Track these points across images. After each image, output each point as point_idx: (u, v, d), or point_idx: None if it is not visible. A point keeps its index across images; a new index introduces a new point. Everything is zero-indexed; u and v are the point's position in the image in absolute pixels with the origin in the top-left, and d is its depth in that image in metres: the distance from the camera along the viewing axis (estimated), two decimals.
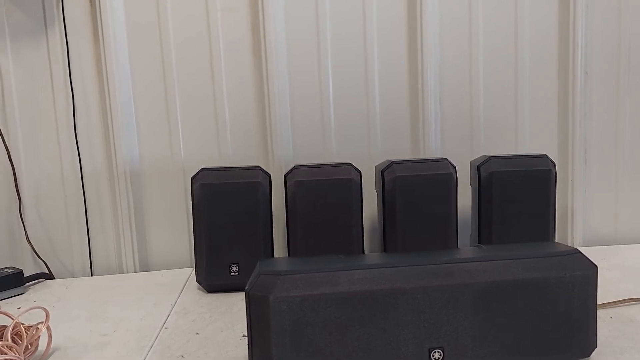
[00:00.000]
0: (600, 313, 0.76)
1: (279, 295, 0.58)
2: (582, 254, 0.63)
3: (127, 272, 1.11)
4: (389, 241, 0.92)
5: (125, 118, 1.09)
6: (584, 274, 0.62)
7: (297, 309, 0.58)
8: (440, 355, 0.60)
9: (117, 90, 1.07)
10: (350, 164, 0.92)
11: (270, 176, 0.93)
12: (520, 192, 0.92)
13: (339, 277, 0.60)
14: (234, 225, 0.90)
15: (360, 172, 0.93)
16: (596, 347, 0.63)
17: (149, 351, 0.71)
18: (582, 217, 1.15)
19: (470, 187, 1.00)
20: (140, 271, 1.11)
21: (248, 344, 0.60)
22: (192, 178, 0.91)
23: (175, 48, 1.09)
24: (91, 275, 1.11)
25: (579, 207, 1.15)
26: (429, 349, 0.60)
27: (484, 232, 0.94)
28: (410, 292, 0.59)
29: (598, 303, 0.78)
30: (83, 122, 1.09)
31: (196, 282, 0.95)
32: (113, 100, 1.07)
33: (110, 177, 1.10)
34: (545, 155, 0.94)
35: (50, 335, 0.72)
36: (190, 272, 1.03)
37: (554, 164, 0.94)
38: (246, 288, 0.60)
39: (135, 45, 1.09)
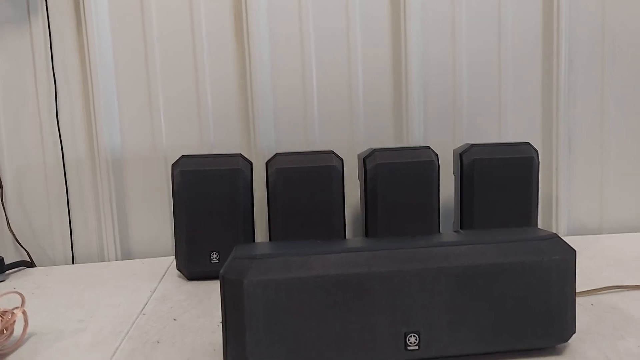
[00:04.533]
0: (581, 300, 0.76)
1: (253, 279, 0.58)
2: (560, 238, 0.63)
3: (109, 260, 1.10)
4: (370, 229, 0.92)
5: (108, 106, 1.08)
6: (562, 258, 0.61)
7: (271, 292, 0.58)
8: (416, 339, 0.60)
9: (99, 78, 1.06)
10: (331, 152, 0.92)
11: (251, 164, 0.93)
12: (503, 179, 0.92)
13: (314, 261, 0.59)
14: (215, 212, 0.89)
15: (342, 160, 0.92)
16: (575, 332, 0.62)
17: (125, 336, 0.71)
18: (566, 206, 1.15)
19: (454, 176, 0.99)
20: (122, 259, 1.10)
21: (222, 329, 0.59)
22: (173, 165, 0.91)
23: (158, 36, 1.08)
24: (73, 263, 1.10)
25: (563, 196, 1.14)
26: (405, 333, 0.59)
27: (466, 220, 0.93)
28: (386, 276, 0.59)
29: (580, 290, 0.78)
30: (65, 109, 1.08)
31: (177, 270, 0.94)
32: (95, 88, 1.06)
33: (92, 165, 1.09)
34: (528, 143, 0.94)
35: (26, 321, 0.71)
36: (171, 261, 1.02)
37: (536, 151, 0.94)
38: (221, 272, 0.59)
39: (118, 33, 1.08)
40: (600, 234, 1.16)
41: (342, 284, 0.58)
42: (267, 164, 0.91)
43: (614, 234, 1.14)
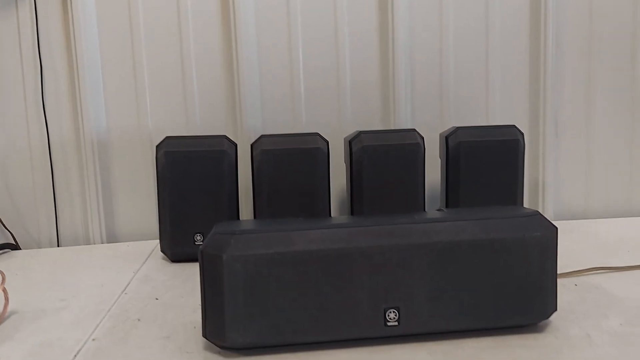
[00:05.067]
0: (565, 281, 0.76)
1: (232, 254, 0.57)
2: (542, 215, 0.63)
3: (94, 243, 1.09)
4: (356, 211, 0.91)
5: (93, 88, 1.07)
6: (544, 235, 0.61)
7: (251, 267, 0.57)
8: (396, 315, 0.59)
9: (85, 59, 1.05)
10: (317, 134, 0.91)
11: (236, 145, 0.92)
12: (488, 162, 0.92)
13: (294, 237, 0.59)
14: (199, 194, 0.89)
15: (327, 142, 0.92)
16: (556, 310, 0.62)
17: (106, 314, 0.71)
18: (552, 191, 1.15)
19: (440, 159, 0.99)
20: (107, 242, 1.10)
21: (201, 304, 0.59)
22: (157, 146, 0.90)
23: (144, 17, 1.07)
24: (58, 246, 1.10)
25: (550, 180, 1.14)
26: (385, 309, 0.59)
27: (452, 202, 0.93)
28: (366, 251, 0.59)
29: (564, 272, 0.78)
30: (51, 91, 1.08)
31: (161, 252, 0.94)
32: (81, 69, 1.05)
33: (78, 147, 1.08)
34: (514, 126, 0.94)
35: (6, 298, 0.71)
36: (157, 244, 1.02)
37: (522, 134, 0.94)
38: (200, 247, 0.59)
39: (103, 14, 1.07)
40: (586, 218, 1.16)
41: (322, 259, 0.58)
42: (252, 145, 0.91)
43: (600, 219, 1.14)
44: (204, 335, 0.59)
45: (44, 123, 1.07)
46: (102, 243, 1.09)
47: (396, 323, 0.59)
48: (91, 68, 1.06)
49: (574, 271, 0.80)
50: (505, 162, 0.92)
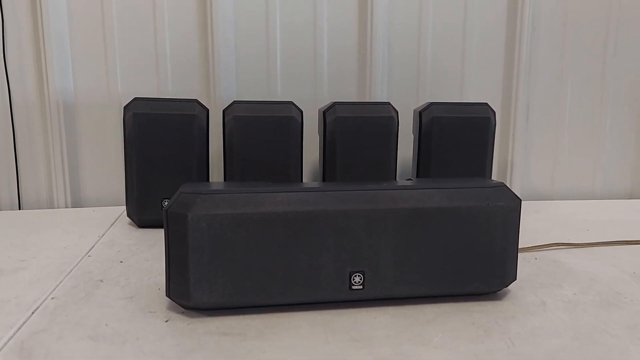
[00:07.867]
0: (526, 255, 0.78)
1: (198, 213, 0.56)
2: (507, 187, 0.64)
3: (58, 208, 1.06)
4: (328, 181, 0.91)
5: (59, 45, 1.03)
6: (507, 205, 0.62)
7: (216, 227, 0.57)
8: (361, 279, 0.60)
9: (51, 16, 1.01)
10: (291, 103, 0.90)
11: (208, 110, 0.90)
12: (460, 137, 0.92)
13: (262, 198, 0.59)
14: (168, 158, 0.87)
15: (301, 112, 0.91)
16: (515, 279, 0.64)
17: (67, 275, 0.69)
18: (520, 172, 1.17)
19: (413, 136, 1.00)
20: (72, 207, 1.07)
21: (165, 264, 0.58)
22: (125, 107, 0.87)
23: None
24: (19, 209, 1.07)
25: (518, 161, 1.16)
26: (350, 273, 0.60)
27: (423, 176, 0.94)
28: (333, 215, 0.59)
29: (526, 246, 0.80)
30: (13, 49, 1.03)
31: (127, 218, 0.92)
32: (46, 26, 1.01)
33: (42, 108, 1.04)
34: (486, 104, 0.95)
35: None
36: (124, 209, 1.00)
37: (494, 112, 0.95)
38: (165, 207, 0.58)
39: None
40: (551, 199, 1.19)
41: (289, 221, 0.58)
42: (224, 111, 0.89)
43: (564, 200, 1.17)
44: (168, 295, 0.58)
45: (6, 81, 1.02)
46: (67, 208, 1.07)
47: (361, 287, 0.60)
48: (57, 24, 1.02)
49: (535, 246, 0.82)
50: (477, 139, 0.93)
